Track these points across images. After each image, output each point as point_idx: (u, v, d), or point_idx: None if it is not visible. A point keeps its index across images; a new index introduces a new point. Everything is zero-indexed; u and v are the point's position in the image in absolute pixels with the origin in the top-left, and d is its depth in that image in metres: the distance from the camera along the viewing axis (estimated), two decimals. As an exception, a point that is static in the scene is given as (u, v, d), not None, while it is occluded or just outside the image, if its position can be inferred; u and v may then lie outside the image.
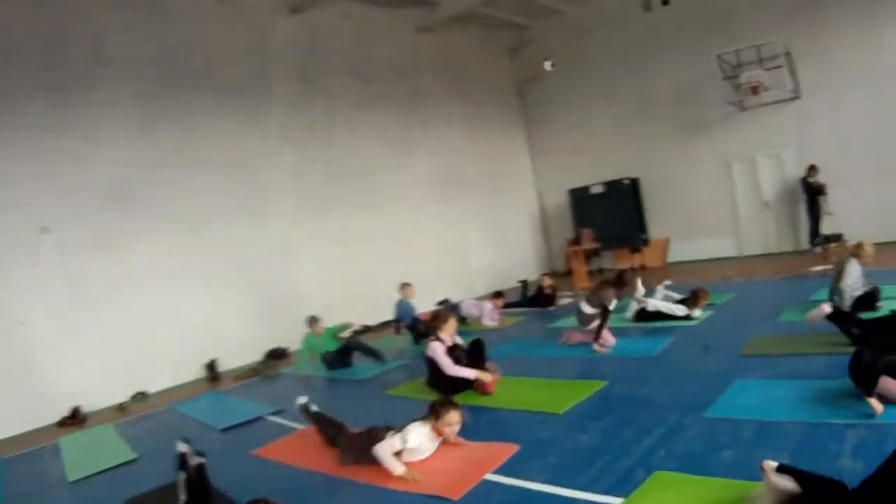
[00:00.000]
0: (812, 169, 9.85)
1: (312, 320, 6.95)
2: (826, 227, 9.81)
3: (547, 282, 8.87)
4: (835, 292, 5.65)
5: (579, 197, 12.24)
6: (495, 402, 4.71)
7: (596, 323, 5.77)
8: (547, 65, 12.20)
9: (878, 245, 8.48)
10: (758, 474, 2.65)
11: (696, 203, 11.48)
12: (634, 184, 11.99)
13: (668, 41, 11.39)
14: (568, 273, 12.27)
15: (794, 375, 4.15)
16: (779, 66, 9.70)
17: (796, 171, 10.26)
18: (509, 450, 3.64)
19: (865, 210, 9.39)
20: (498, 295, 8.53)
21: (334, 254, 9.44)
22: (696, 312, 6.43)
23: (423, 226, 10.89)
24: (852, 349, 4.08)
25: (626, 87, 12.07)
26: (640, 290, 7.00)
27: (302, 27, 9.58)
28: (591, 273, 11.47)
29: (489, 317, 7.94)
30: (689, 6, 11.11)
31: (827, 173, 9.72)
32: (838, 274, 5.65)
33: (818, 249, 9.77)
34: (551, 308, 8.54)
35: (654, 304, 6.68)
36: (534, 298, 8.93)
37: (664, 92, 11.60)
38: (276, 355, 8.10)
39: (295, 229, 9.05)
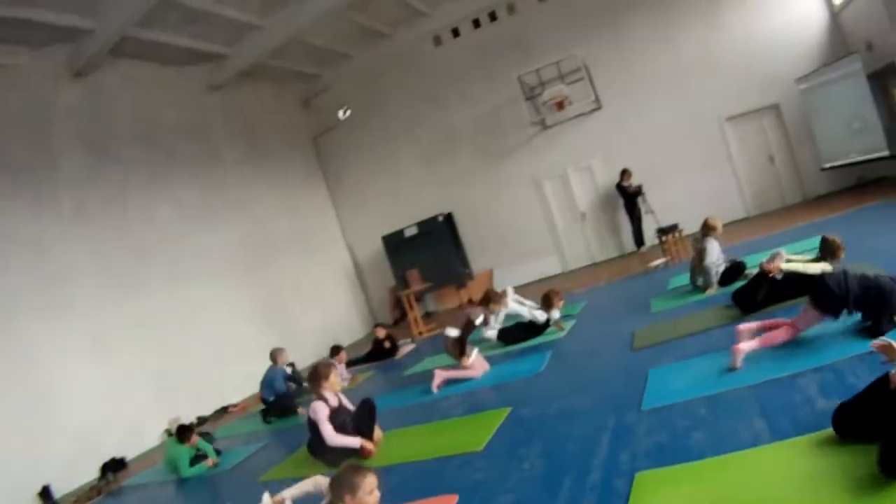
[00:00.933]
0: (625, 173, 10.81)
1: (183, 430, 5.81)
2: (648, 226, 10.76)
3: (381, 333, 8.65)
4: (699, 273, 6.09)
5: (394, 242, 12.13)
6: (400, 457, 4.20)
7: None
8: (341, 113, 12.26)
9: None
10: (746, 441, 2.75)
11: (513, 228, 11.99)
12: (449, 219, 12.22)
13: (463, 72, 11.95)
14: (395, 323, 12.21)
15: (702, 351, 4.31)
16: (580, 80, 10.49)
17: (608, 178, 11.23)
18: (450, 501, 3.19)
19: (686, 202, 10.36)
20: (337, 350, 7.98)
21: (145, 341, 8.34)
22: (556, 314, 6.56)
23: (235, 297, 10.07)
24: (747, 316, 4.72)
25: (428, 124, 12.40)
26: (509, 302, 6.83)
27: (86, 92, 8.70)
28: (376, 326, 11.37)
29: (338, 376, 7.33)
30: (478, 35, 11.87)
31: (640, 174, 10.76)
32: (699, 254, 6.08)
33: (643, 249, 10.74)
34: (396, 358, 8.35)
35: (516, 308, 6.68)
36: (373, 353, 8.64)
37: (466, 123, 12.13)
38: (114, 467, 7.12)
39: (100, 319, 7.89)
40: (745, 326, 3.99)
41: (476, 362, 5.80)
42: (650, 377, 4.08)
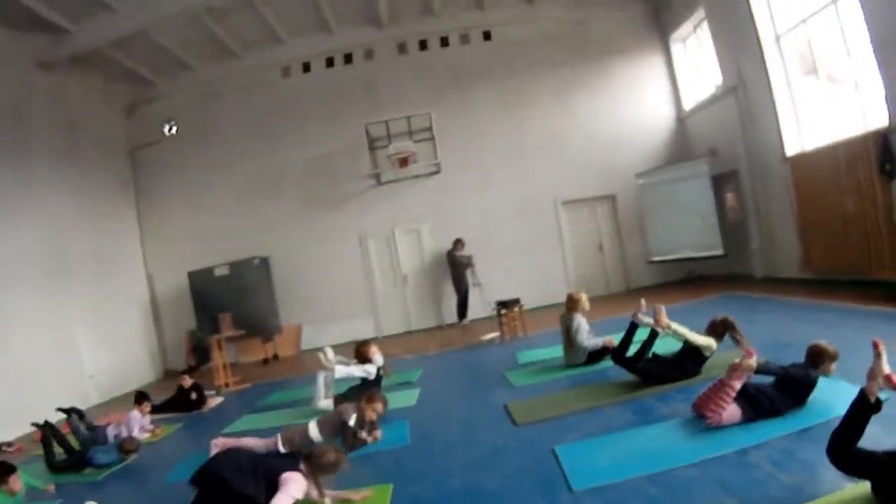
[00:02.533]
0: (458, 242, 11.22)
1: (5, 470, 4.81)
2: (473, 300, 11.21)
3: (188, 382, 8.04)
4: (572, 349, 6.24)
5: (202, 280, 11.61)
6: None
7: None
8: (166, 128, 11.71)
9: (536, 310, 10.27)
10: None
11: (329, 283, 11.89)
12: (265, 264, 11.92)
13: (306, 110, 12.03)
14: (188, 371, 11.33)
15: (607, 429, 4.38)
16: (427, 139, 10.94)
17: (435, 245, 11.60)
18: None
19: (512, 279, 10.96)
20: (142, 398, 7.08)
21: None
22: (379, 359, 6.50)
23: (27, 318, 8.97)
24: (636, 393, 4.99)
25: (257, 159, 12.21)
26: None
27: None
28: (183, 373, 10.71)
29: (139, 428, 6.69)
30: (329, 75, 12.08)
31: (469, 246, 11.21)
32: (567, 330, 6.25)
33: (465, 322, 11.10)
34: (203, 411, 7.78)
35: (343, 370, 6.39)
36: (174, 402, 7.95)
37: (298, 164, 12.06)
38: None
39: None
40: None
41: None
42: (561, 455, 4.02)
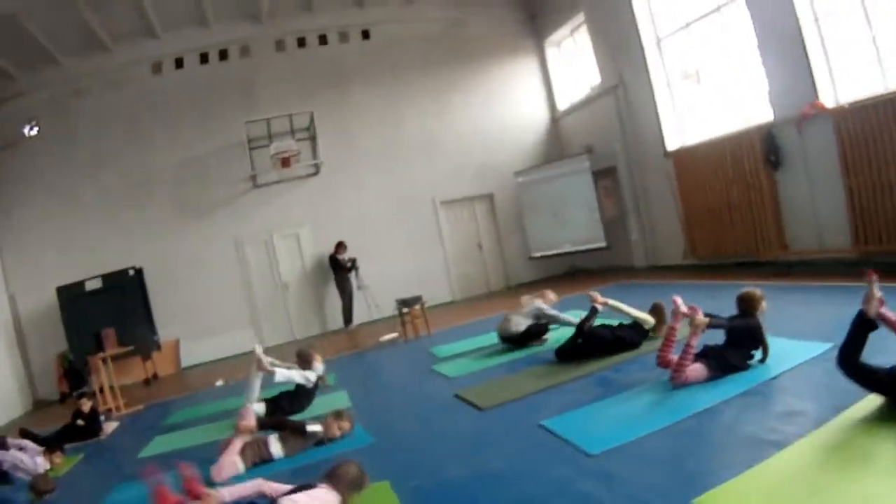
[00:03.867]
0: (340, 246, 11.66)
1: None
2: (360, 301, 11.70)
3: (87, 406, 7.67)
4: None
5: (72, 296, 11.35)
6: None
7: None
8: (27, 129, 11.40)
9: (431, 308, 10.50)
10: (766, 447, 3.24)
11: (206, 294, 11.91)
12: (140, 275, 11.73)
13: (177, 109, 12.00)
14: (62, 399, 11.27)
15: (580, 403, 4.70)
16: (308, 139, 11.42)
17: (316, 249, 12.00)
18: None
19: (394, 281, 11.54)
20: (27, 434, 6.78)
21: None
22: (320, 367, 6.61)
23: None
24: (587, 369, 5.56)
25: (124, 163, 12.01)
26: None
27: None
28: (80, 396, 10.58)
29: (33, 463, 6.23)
30: (203, 72, 12.13)
31: (351, 249, 11.68)
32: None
33: (352, 327, 11.57)
34: (101, 438, 7.47)
35: (286, 374, 6.36)
36: (67, 431, 7.45)
37: (167, 168, 12.01)
38: None
39: None
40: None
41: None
42: (554, 428, 4.26)
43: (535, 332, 7.01)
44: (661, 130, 10.64)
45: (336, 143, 11.88)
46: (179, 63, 12.32)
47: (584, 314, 6.15)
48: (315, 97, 12.04)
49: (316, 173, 12.02)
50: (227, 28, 12.25)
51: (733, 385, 4.30)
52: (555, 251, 12.59)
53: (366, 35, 12.88)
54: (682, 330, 4.75)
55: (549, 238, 12.61)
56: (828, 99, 7.72)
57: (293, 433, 5.13)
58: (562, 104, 13.43)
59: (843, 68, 7.67)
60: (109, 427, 7.93)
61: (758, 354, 4.60)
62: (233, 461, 4.81)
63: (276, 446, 5.06)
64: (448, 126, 12.93)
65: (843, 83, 7.69)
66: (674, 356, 4.56)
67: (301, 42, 12.63)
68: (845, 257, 7.62)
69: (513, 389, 5.52)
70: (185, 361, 11.94)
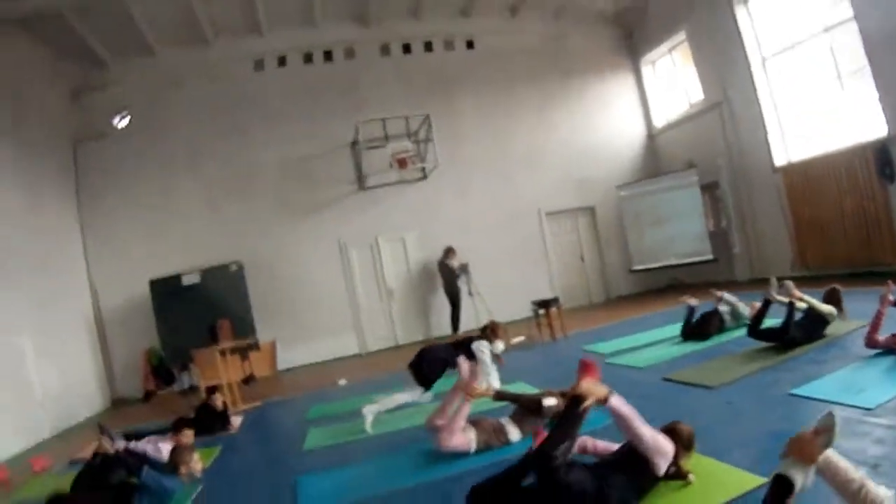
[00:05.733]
0: (449, 251, 12.20)
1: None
2: (468, 308, 12.31)
3: (219, 400, 7.99)
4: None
5: (166, 290, 11.62)
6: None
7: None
8: (117, 119, 11.66)
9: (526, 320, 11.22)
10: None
11: (308, 296, 12.42)
12: (242, 271, 11.99)
13: (280, 108, 12.68)
14: (146, 397, 11.62)
15: (810, 377, 5.31)
16: (424, 141, 12.12)
17: (422, 255, 12.65)
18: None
19: (498, 290, 12.31)
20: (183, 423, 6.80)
21: None
22: (500, 346, 6.64)
23: None
24: (778, 359, 6.01)
25: (222, 158, 12.60)
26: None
27: None
28: (181, 394, 11.21)
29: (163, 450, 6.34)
30: (308, 72, 12.92)
31: (462, 254, 12.31)
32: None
33: (460, 333, 11.76)
34: (231, 432, 7.73)
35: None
36: (200, 420, 7.51)
37: (270, 165, 12.63)
38: None
39: None
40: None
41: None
42: (811, 393, 4.86)
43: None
44: (769, 146, 11.58)
45: (443, 149, 12.40)
46: (282, 61, 13.06)
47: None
48: (420, 103, 12.72)
49: (423, 178, 12.73)
50: (334, 29, 13.04)
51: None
52: (657, 264, 13.46)
53: (470, 45, 13.79)
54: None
55: (652, 251, 13.49)
56: None
57: (529, 409, 5.20)
58: (658, 121, 14.49)
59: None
60: (236, 422, 8.14)
61: None
62: (467, 437, 5.00)
63: (513, 429, 5.16)
64: (551, 139, 13.88)
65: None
66: (880, 336, 5.40)
67: (406, 48, 13.46)
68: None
69: (727, 371, 5.94)
70: (283, 364, 12.36)
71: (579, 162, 13.98)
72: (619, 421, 3.57)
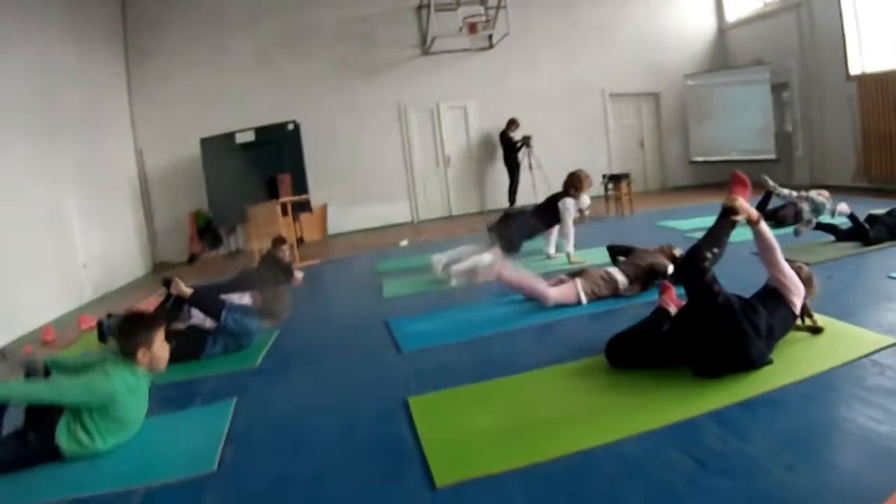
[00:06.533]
0: (512, 123, 12.37)
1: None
2: (525, 182, 12.52)
3: (286, 252, 8.26)
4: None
5: (217, 150, 11.61)
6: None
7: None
8: None
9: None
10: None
11: (362, 160, 12.55)
12: (298, 131, 11.87)
13: None
14: (191, 260, 11.78)
15: None
16: (497, 7, 12.03)
17: (481, 125, 12.83)
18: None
19: (556, 167, 11.70)
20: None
21: None
22: (585, 200, 7.31)
23: (16, 181, 7.89)
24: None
25: (278, 15, 12.55)
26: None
27: None
28: (227, 256, 11.45)
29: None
30: None
31: (523, 127, 12.45)
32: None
33: (517, 207, 11.97)
34: (294, 285, 7.90)
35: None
36: (262, 272, 7.57)
37: (329, 24, 12.58)
38: None
39: None
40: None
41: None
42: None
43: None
44: (845, 53, 11.50)
45: (514, 18, 12.32)
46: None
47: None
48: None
49: (490, 47, 12.77)
50: None
51: None
52: (717, 157, 13.56)
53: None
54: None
55: (714, 144, 13.57)
56: None
57: (648, 270, 5.57)
58: (730, 16, 14.40)
59: None
60: (299, 276, 8.29)
61: None
62: (572, 288, 5.35)
63: (621, 277, 5.49)
64: (622, 18, 13.85)
65: None
66: None
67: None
68: None
69: (820, 252, 6.58)
70: (333, 229, 12.63)
71: (648, 46, 13.94)
72: (764, 247, 3.77)
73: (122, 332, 3.53)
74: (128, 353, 3.43)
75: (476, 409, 3.50)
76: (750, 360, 3.40)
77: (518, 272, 5.48)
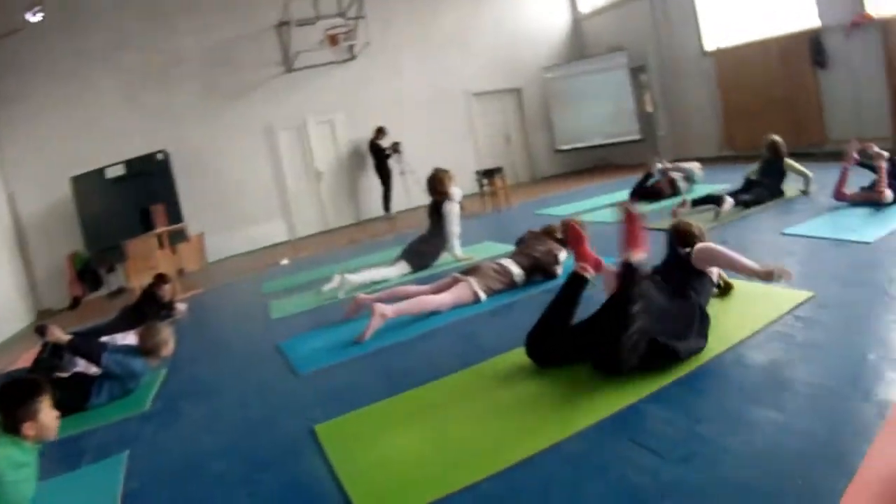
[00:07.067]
0: (380, 131, 12.90)
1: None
2: (399, 188, 13.13)
3: (170, 287, 7.94)
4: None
5: (90, 186, 11.74)
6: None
7: None
8: (30, 14, 11.26)
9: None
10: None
11: (235, 183, 12.72)
12: (168, 161, 12.17)
13: None
14: (73, 304, 11.76)
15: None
16: (358, 17, 12.55)
17: (351, 136, 13.30)
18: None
19: (426, 170, 12.29)
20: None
21: None
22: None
23: None
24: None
25: (144, 46, 12.66)
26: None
27: None
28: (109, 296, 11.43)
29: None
30: None
31: (391, 134, 12.97)
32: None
33: (391, 214, 12.96)
34: (178, 317, 7.80)
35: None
36: (138, 313, 7.28)
37: (194, 51, 12.79)
38: None
39: None
40: None
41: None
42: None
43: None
44: (699, 32, 12.71)
45: (374, 27, 13.02)
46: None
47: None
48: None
49: (352, 58, 13.28)
50: None
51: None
52: (582, 144, 14.57)
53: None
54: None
55: (577, 132, 14.55)
56: (874, 10, 9.95)
57: (527, 252, 5.93)
58: (584, 7, 15.44)
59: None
60: (181, 308, 8.12)
61: None
62: (467, 290, 5.47)
63: (515, 268, 5.69)
64: (480, 19, 14.73)
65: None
66: (847, 190, 6.52)
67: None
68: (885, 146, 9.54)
69: (706, 220, 6.81)
70: (213, 256, 12.75)
71: (507, 44, 14.90)
72: (728, 266, 4.11)
73: (3, 406, 3.18)
74: (11, 429, 3.11)
75: (392, 430, 3.37)
76: (682, 358, 3.42)
77: (397, 306, 5.22)
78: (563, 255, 5.80)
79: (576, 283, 3.76)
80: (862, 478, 2.28)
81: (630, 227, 3.56)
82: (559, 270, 5.77)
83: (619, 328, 3.21)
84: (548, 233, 6.10)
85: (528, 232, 6.28)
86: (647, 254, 3.52)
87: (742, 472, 2.41)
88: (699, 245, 4.04)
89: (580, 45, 15.67)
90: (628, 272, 3.44)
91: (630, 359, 3.22)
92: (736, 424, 2.78)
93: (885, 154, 6.50)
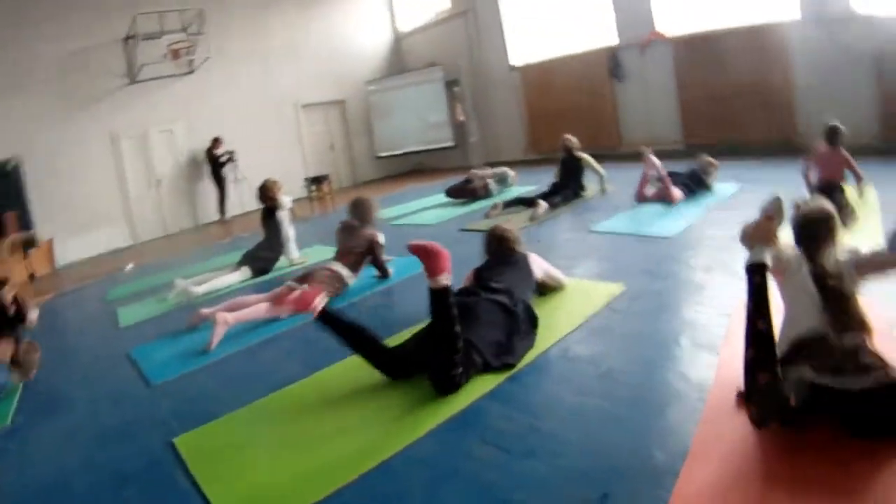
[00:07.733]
0: (216, 141, 14.19)
1: None
2: (235, 194, 14.46)
3: (10, 294, 6.74)
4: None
5: None
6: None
7: None
8: None
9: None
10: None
11: (83, 190, 13.14)
12: (20, 168, 12.50)
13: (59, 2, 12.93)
14: None
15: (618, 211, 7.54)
16: (199, 34, 13.62)
17: (190, 145, 14.43)
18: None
19: (258, 178, 12.52)
20: None
21: None
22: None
23: None
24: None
25: (5, 51, 12.64)
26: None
27: None
28: None
29: None
30: None
31: (226, 143, 14.26)
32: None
33: (227, 218, 14.36)
34: (27, 327, 6.73)
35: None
36: None
37: (51, 58, 12.99)
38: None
39: None
40: None
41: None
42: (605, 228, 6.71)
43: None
44: (505, 49, 15.19)
45: (213, 43, 14.22)
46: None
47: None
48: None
49: (191, 71, 14.31)
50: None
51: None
52: (400, 150, 17.00)
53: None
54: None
55: (396, 140, 16.95)
56: (666, 30, 12.00)
57: (350, 247, 6.33)
58: (404, 26, 17.73)
59: (679, 5, 11.90)
60: (33, 315, 6.95)
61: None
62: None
63: (346, 272, 6.13)
64: (308, 35, 16.58)
65: (679, 19, 11.93)
66: (647, 192, 7.60)
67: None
68: (676, 148, 11.84)
69: (519, 221, 7.80)
70: (62, 260, 13.07)
71: (333, 59, 16.88)
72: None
73: None
74: None
75: (249, 441, 3.46)
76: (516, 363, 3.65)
77: (238, 313, 5.40)
78: (381, 237, 6.26)
79: (438, 296, 3.54)
80: (695, 455, 2.53)
81: (427, 258, 3.56)
82: (383, 254, 6.36)
83: (447, 351, 3.41)
84: (347, 227, 6.46)
85: (336, 232, 6.59)
86: (451, 274, 3.55)
87: (580, 460, 2.68)
88: (532, 255, 4.66)
89: (400, 60, 17.97)
90: (440, 297, 3.47)
91: (463, 379, 3.49)
92: (569, 416, 3.08)
93: (658, 163, 7.70)
